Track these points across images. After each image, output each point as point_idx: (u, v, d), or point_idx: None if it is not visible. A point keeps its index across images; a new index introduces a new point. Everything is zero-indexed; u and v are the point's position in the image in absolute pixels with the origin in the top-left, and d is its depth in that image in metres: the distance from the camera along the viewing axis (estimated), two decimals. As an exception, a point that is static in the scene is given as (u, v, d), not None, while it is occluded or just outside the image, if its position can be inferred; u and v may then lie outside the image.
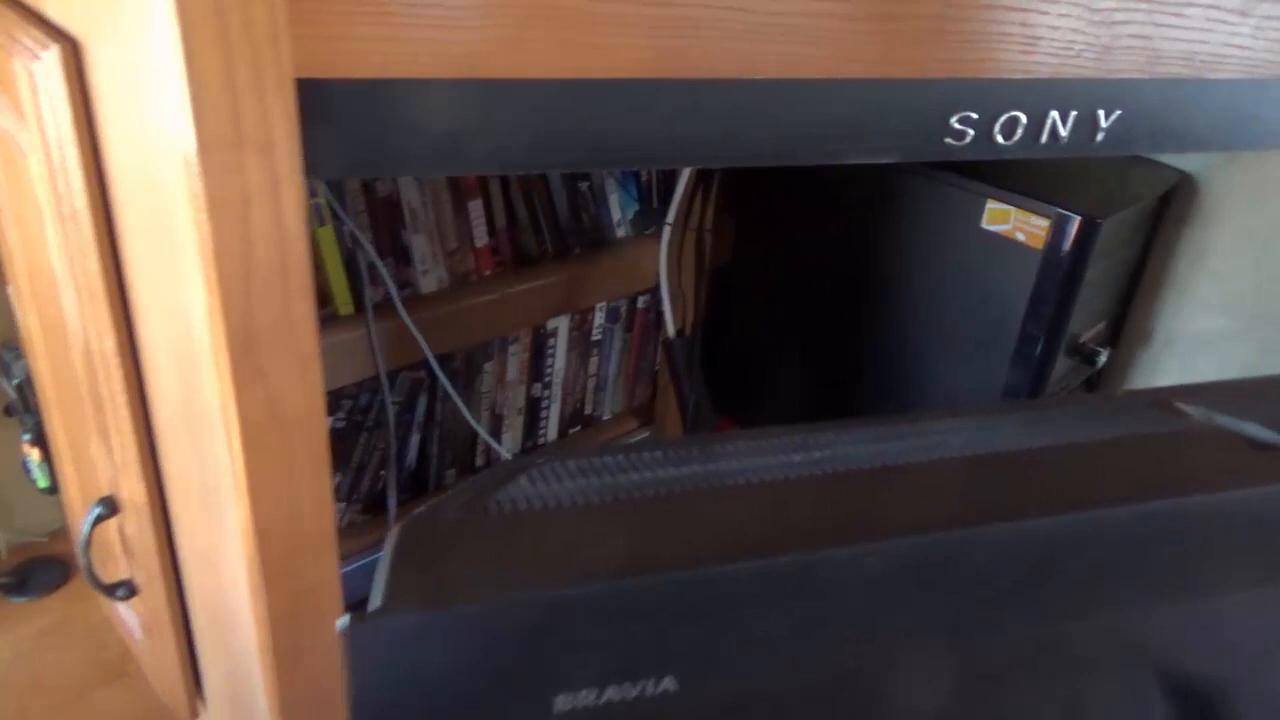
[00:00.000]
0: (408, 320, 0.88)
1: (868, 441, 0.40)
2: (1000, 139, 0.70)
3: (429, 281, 0.98)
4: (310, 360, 0.57)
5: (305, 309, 0.56)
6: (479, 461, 1.15)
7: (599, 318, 1.18)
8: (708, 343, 1.38)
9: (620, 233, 1.14)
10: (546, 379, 1.17)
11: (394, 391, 1.01)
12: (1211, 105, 0.74)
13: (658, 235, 1.07)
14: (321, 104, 0.51)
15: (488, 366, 1.09)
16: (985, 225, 1.03)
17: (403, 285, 0.96)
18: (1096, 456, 0.38)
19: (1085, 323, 1.10)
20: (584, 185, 1.09)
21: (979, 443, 0.39)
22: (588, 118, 0.54)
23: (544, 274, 1.06)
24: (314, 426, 0.59)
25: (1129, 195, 1.04)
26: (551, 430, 1.22)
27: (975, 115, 0.68)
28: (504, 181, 1.02)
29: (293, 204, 0.52)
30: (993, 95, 0.68)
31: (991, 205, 1.02)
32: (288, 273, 0.54)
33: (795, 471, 0.37)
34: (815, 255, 1.22)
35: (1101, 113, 0.72)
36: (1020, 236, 1.01)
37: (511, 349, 1.11)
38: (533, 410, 1.18)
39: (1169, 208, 1.12)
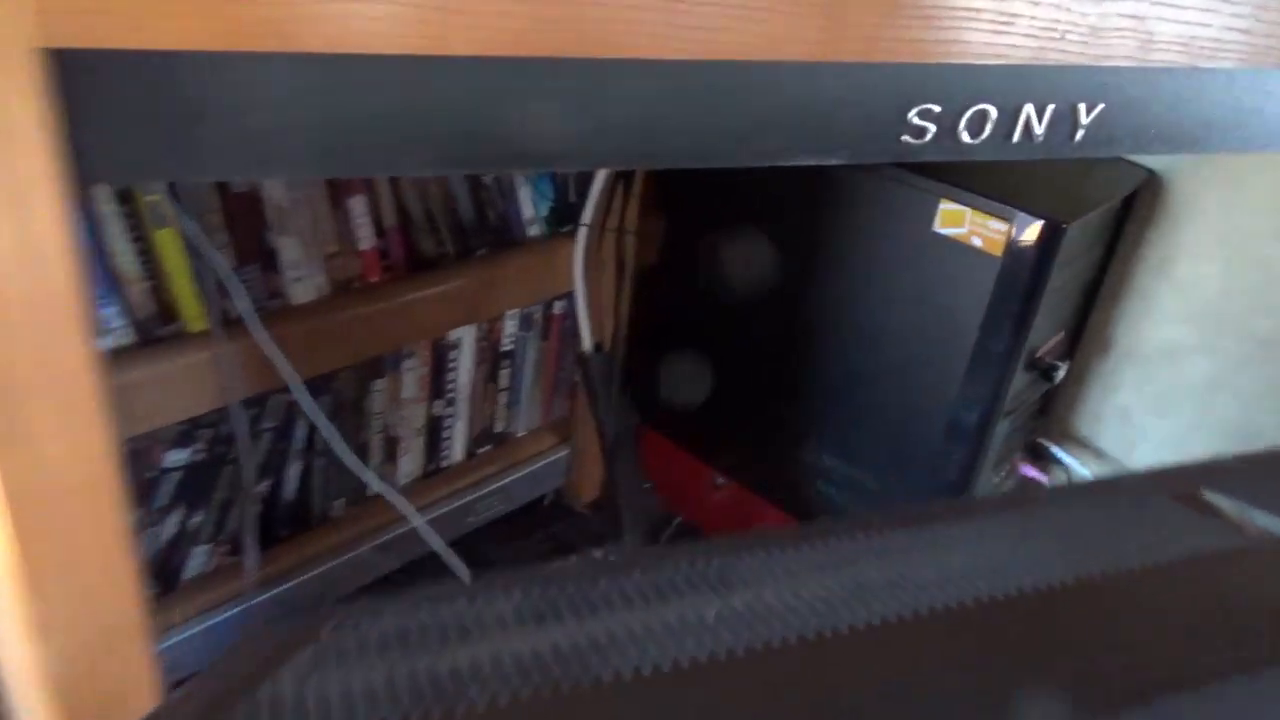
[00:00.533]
0: (261, 335, 0.74)
1: (823, 573, 0.28)
2: (966, 137, 0.59)
3: (302, 290, 0.84)
4: (89, 414, 0.44)
5: (79, 349, 0.43)
6: (372, 490, 1.02)
7: (510, 326, 1.06)
8: (636, 351, 1.26)
9: (533, 231, 1.01)
10: (449, 395, 1.04)
11: (267, 416, 0.87)
12: (1206, 99, 0.64)
13: (574, 236, 0.95)
14: (88, 84, 0.38)
15: (378, 384, 0.96)
16: (938, 228, 0.92)
17: (272, 294, 0.82)
18: (1164, 593, 0.27)
19: (1044, 334, 1.00)
20: (488, 178, 0.95)
21: (989, 576, 0.28)
22: (449, 105, 0.41)
23: (443, 279, 0.93)
24: (102, 495, 0.46)
25: (1095, 196, 0.95)
26: (457, 451, 1.09)
27: (937, 108, 0.56)
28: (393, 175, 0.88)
29: (48, 216, 0.39)
30: (959, 84, 0.56)
31: (945, 206, 0.91)
32: (48, 305, 0.41)
33: (715, 640, 0.25)
34: (752, 258, 1.11)
35: (1083, 107, 0.61)
36: (977, 241, 0.90)
37: (407, 364, 0.97)
38: (434, 430, 1.05)
39: (1134, 209, 1.03)
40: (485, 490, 1.11)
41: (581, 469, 1.20)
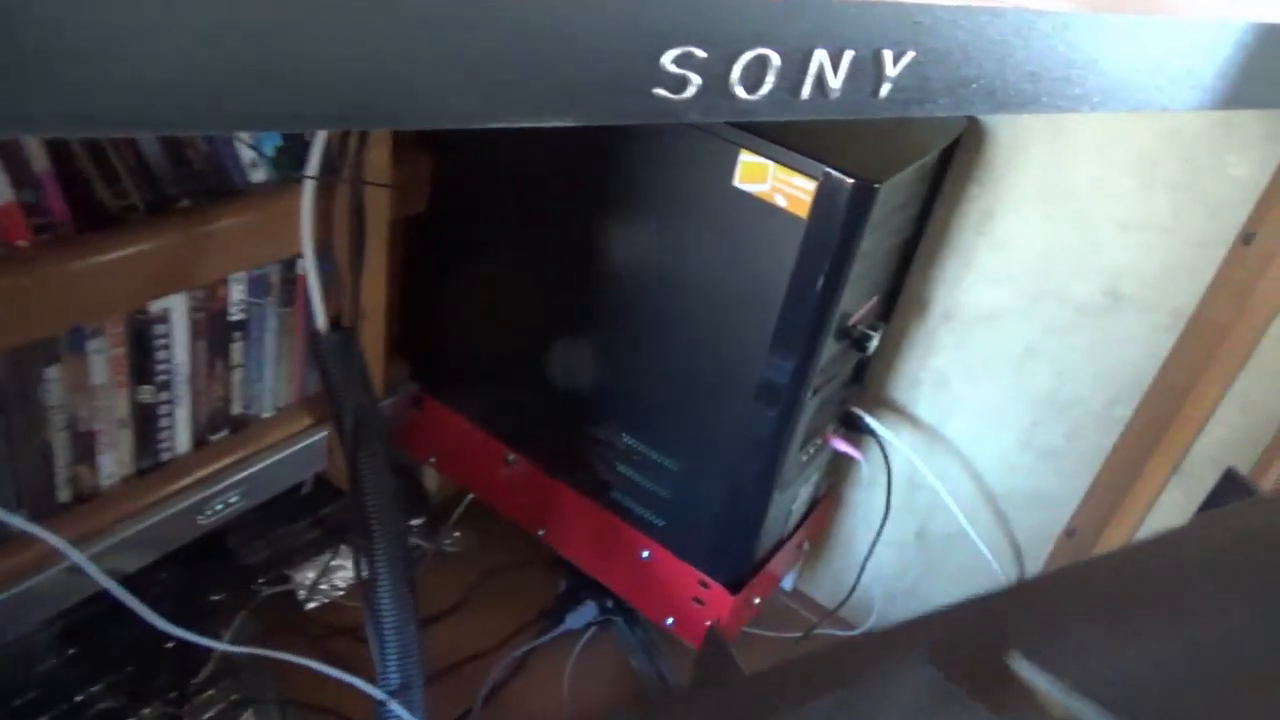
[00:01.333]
0: None
1: None
2: (741, 92, 0.45)
3: (-92, 262, 0.63)
4: None
5: None
6: (64, 496, 0.83)
7: (237, 292, 0.87)
8: (413, 314, 1.09)
9: (257, 177, 0.82)
10: (161, 378, 0.85)
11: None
12: (1035, 48, 0.52)
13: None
14: None
15: (52, 371, 0.76)
16: (738, 183, 0.79)
17: None
18: None
19: (856, 300, 0.90)
20: (189, 110, 0.75)
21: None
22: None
23: (128, 240, 0.73)
24: None
25: (912, 148, 0.84)
26: (181, 441, 0.90)
27: (701, 53, 0.42)
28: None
29: None
30: (728, 21, 0.42)
31: (745, 158, 0.78)
32: None
33: None
34: (536, 211, 0.95)
35: (889, 55, 0.48)
36: (780, 200, 0.78)
37: (92, 344, 0.78)
38: (145, 420, 0.86)
39: (953, 160, 0.93)
40: (222, 484, 0.93)
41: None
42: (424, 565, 1.15)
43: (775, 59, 0.45)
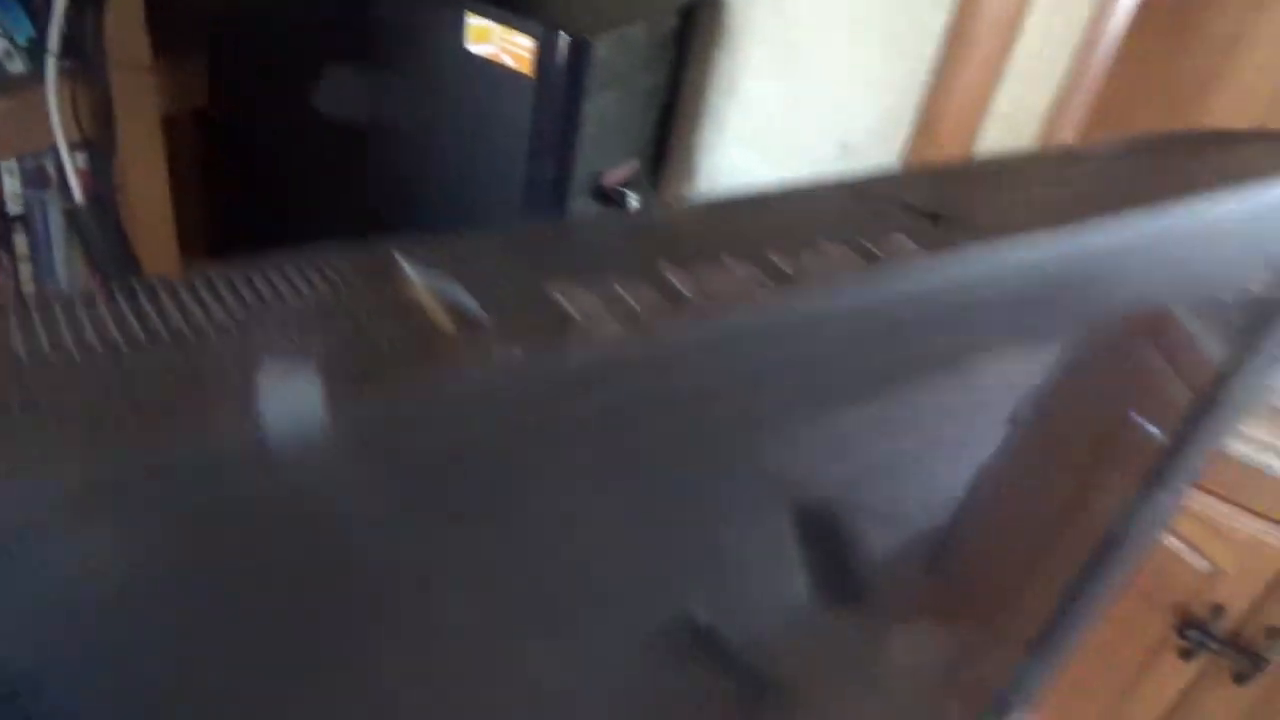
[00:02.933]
0: None
1: None
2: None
3: None
4: None
5: None
6: None
7: (9, 184, 0.91)
8: (213, 213, 1.13)
9: (14, 67, 0.86)
10: (-60, 269, 0.89)
11: None
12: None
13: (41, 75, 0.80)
14: None
15: None
16: (469, 45, 0.85)
17: None
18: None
19: (610, 160, 0.97)
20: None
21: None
22: None
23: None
24: None
25: (636, 9, 0.90)
26: (-26, 333, 0.94)
27: None
28: None
29: None
30: None
31: (471, 21, 0.84)
32: None
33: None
34: (295, 89, 1.00)
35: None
36: (508, 60, 0.84)
37: None
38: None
39: (694, 28, 1.00)
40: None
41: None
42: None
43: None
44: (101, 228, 0.82)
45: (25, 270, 0.96)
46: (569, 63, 0.82)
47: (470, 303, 0.27)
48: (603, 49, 0.84)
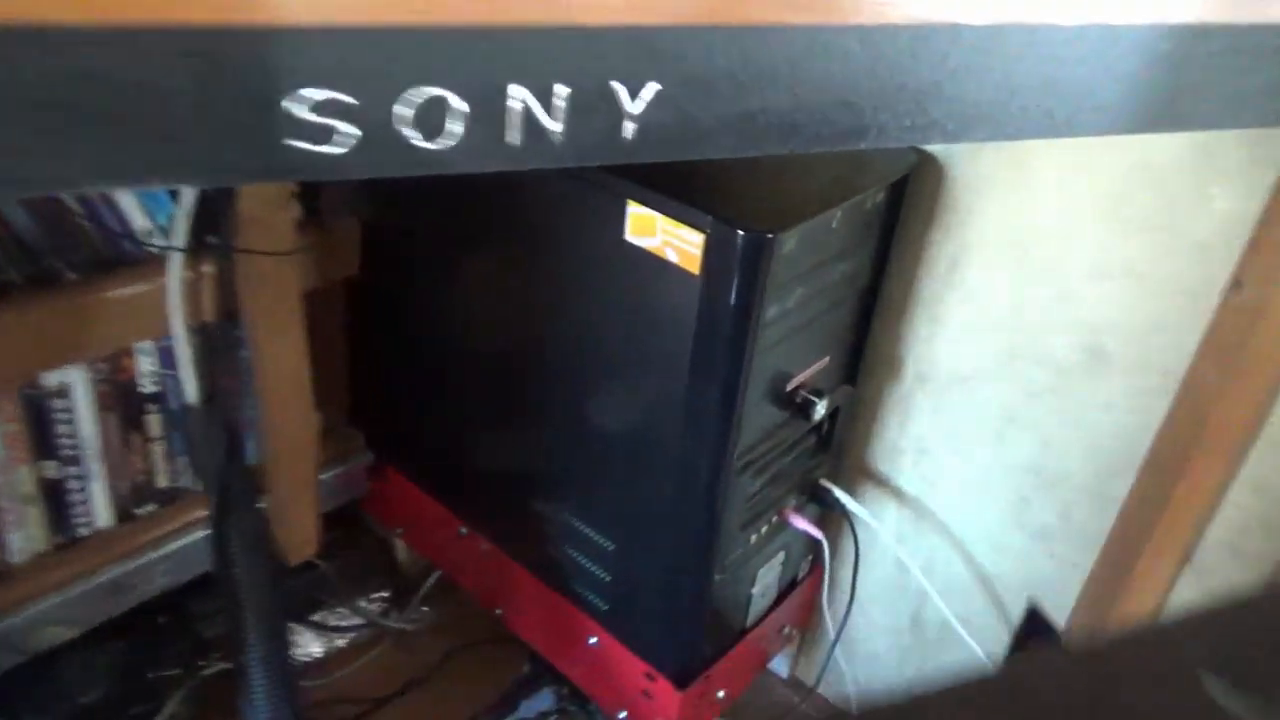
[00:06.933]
0: None
1: None
2: (417, 138, 0.38)
3: None
4: None
5: None
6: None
7: (146, 363, 0.85)
8: (358, 379, 1.06)
9: (157, 242, 0.80)
10: (67, 452, 0.83)
11: None
12: (850, 71, 0.44)
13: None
14: None
15: (-63, 449, 0.75)
16: (629, 237, 0.72)
17: None
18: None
19: (798, 361, 0.80)
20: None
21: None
22: None
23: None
24: None
25: (834, 191, 0.75)
26: (100, 515, 0.89)
27: (349, 99, 0.36)
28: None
29: None
30: (373, 62, 0.36)
31: (633, 210, 0.71)
32: None
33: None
34: (454, 272, 0.90)
35: (621, 89, 0.41)
36: (671, 255, 0.70)
37: (-20, 420, 0.77)
38: (54, 496, 0.84)
39: (906, 203, 0.83)
40: (145, 558, 0.91)
41: (289, 521, 1.00)
42: (386, 641, 1.10)
43: (453, 100, 0.38)
44: (205, 418, 0.74)
45: (157, 449, 0.90)
46: (743, 260, 0.67)
47: None
48: (790, 244, 0.69)
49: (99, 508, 0.88)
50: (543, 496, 0.92)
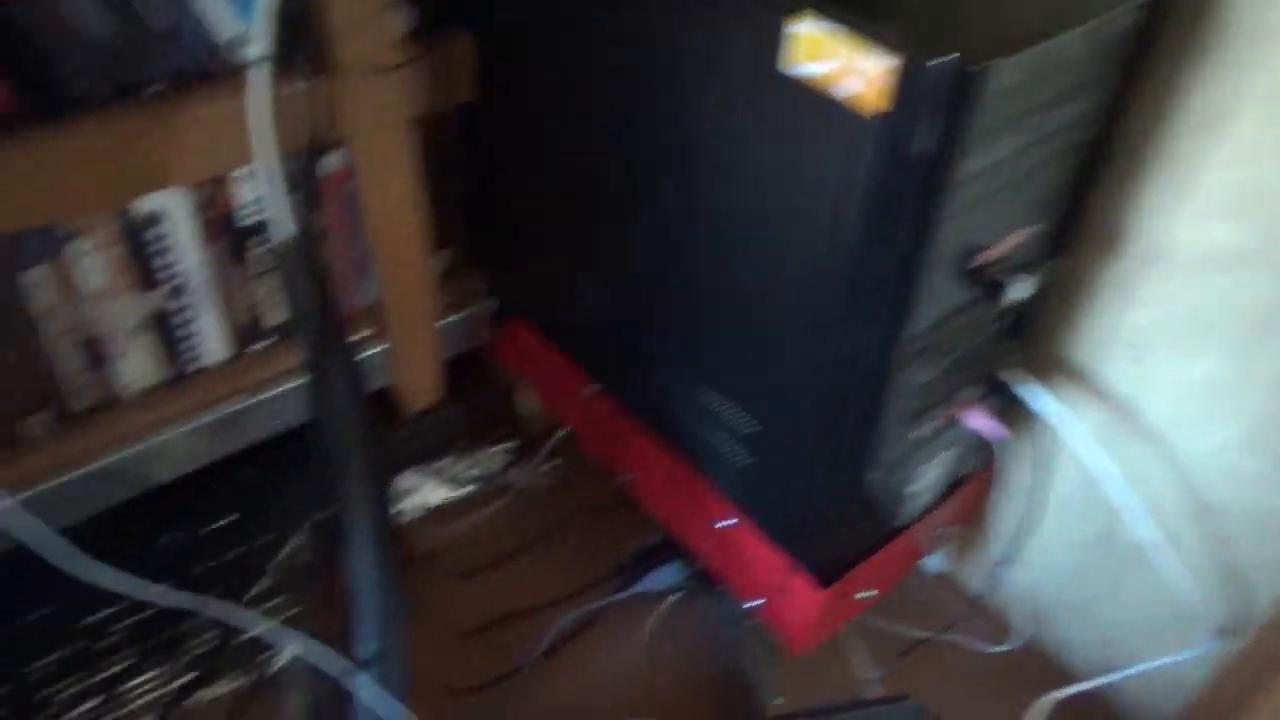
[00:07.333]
0: None
1: None
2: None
3: None
4: None
5: None
6: (79, 405, 0.79)
7: (247, 192, 0.77)
8: (477, 222, 0.96)
9: (245, 53, 0.70)
10: (174, 281, 0.78)
11: None
12: None
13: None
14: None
15: (34, 275, 0.71)
16: (788, 65, 0.56)
17: None
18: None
19: (991, 230, 0.64)
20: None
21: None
22: None
23: (78, 130, 0.65)
24: None
25: (1068, 7, 0.56)
26: (214, 348, 0.84)
27: None
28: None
29: None
30: None
31: (794, 29, 0.55)
32: None
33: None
34: (583, 94, 0.77)
35: None
36: (844, 89, 0.54)
37: (74, 246, 0.71)
38: (164, 329, 0.80)
39: (1162, 29, 0.63)
40: (259, 396, 0.86)
41: (408, 366, 0.93)
42: (507, 496, 1.05)
43: None
44: (294, 252, 0.66)
45: (263, 284, 0.83)
46: (943, 99, 0.51)
47: None
48: (1007, 78, 0.52)
49: (208, 343, 0.84)
50: (679, 363, 0.81)
